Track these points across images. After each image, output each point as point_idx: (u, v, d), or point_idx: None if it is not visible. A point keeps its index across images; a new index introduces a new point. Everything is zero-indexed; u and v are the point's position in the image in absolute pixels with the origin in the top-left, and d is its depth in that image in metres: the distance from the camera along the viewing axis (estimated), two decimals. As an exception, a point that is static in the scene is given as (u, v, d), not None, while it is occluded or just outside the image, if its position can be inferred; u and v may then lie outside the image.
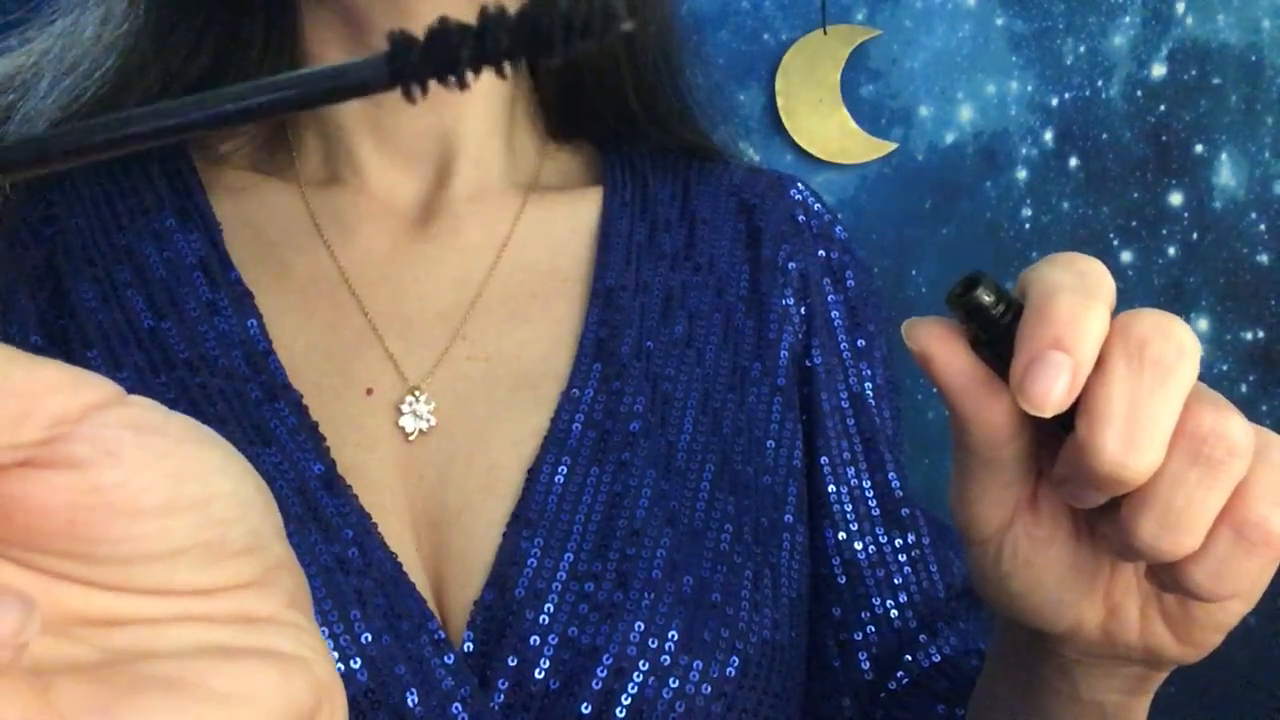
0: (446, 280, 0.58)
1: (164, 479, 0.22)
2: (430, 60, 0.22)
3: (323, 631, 0.47)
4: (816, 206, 0.66)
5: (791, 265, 0.63)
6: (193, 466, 0.23)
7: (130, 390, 0.54)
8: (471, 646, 0.50)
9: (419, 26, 0.64)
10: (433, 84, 0.22)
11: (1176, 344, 0.33)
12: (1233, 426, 0.34)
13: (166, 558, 0.23)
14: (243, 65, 0.57)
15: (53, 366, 0.22)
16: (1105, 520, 0.37)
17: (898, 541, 0.61)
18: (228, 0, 0.56)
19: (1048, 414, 0.34)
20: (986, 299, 0.35)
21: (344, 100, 0.23)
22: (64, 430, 0.22)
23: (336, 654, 0.47)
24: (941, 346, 0.36)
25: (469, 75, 0.22)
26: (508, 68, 0.22)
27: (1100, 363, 0.34)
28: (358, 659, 0.47)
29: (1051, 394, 0.33)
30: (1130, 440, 0.33)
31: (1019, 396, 0.34)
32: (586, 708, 0.48)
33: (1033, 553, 0.39)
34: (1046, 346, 0.33)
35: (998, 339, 0.35)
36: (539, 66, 0.21)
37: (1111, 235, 1.28)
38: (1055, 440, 0.37)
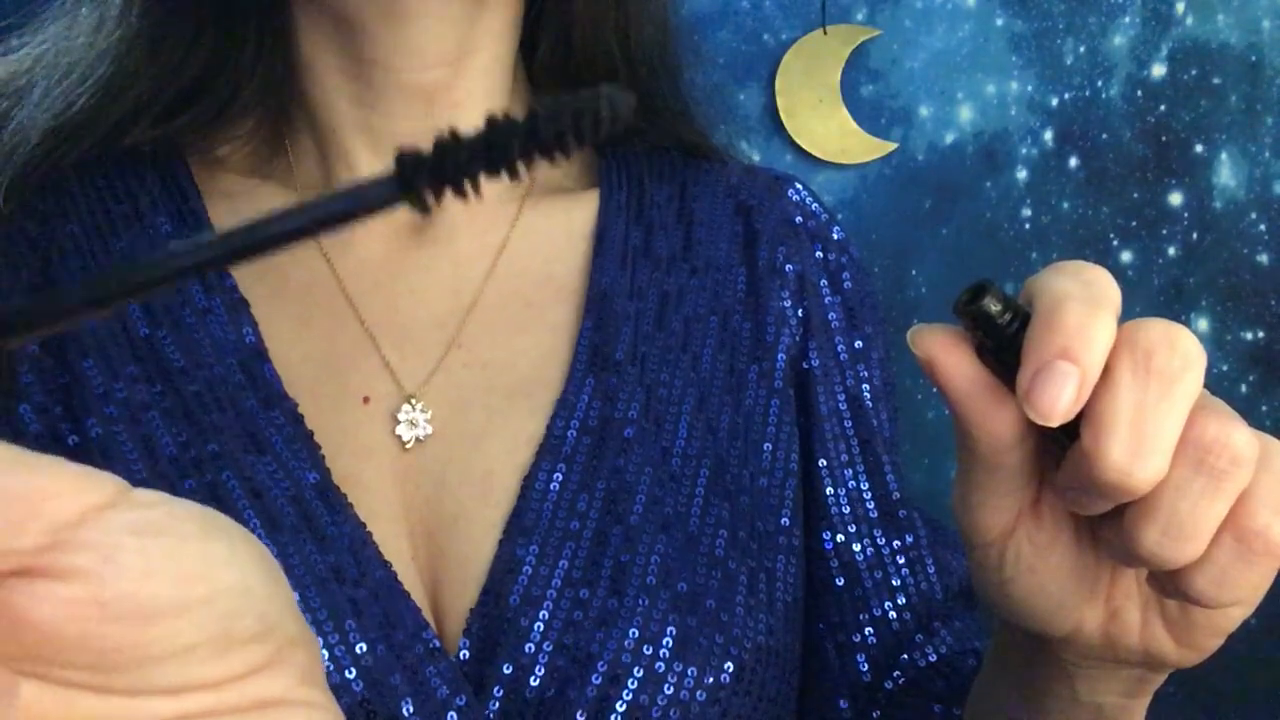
0: (442, 288, 0.57)
1: (169, 582, 0.22)
2: (439, 175, 0.22)
3: (318, 641, 0.47)
4: (814, 207, 0.66)
5: (789, 267, 0.63)
6: (198, 564, 0.23)
7: (125, 400, 0.54)
8: (467, 654, 0.49)
9: (410, 27, 0.63)
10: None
11: (1182, 354, 0.34)
12: (1236, 436, 0.34)
13: (177, 658, 0.23)
14: (236, 69, 0.57)
15: (53, 468, 0.22)
16: (1108, 526, 0.37)
17: (895, 543, 0.61)
18: (221, 4, 0.56)
19: (1054, 423, 0.34)
20: (993, 307, 0.35)
21: (359, 221, 0.23)
22: (64, 537, 0.21)
23: (331, 664, 0.47)
24: (947, 354, 0.36)
25: (481, 182, 0.23)
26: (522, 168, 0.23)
27: (1106, 372, 0.34)
28: (352, 669, 0.47)
29: (1058, 404, 0.33)
30: (1135, 450, 0.33)
31: (1026, 405, 0.34)
32: (581, 715, 0.48)
33: (1035, 558, 0.39)
34: (1054, 356, 0.33)
35: (1004, 347, 0.35)
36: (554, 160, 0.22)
37: (1111, 235, 1.28)
38: (1059, 446, 0.37)
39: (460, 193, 0.22)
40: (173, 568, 0.22)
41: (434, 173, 0.22)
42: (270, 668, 0.24)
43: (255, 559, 0.24)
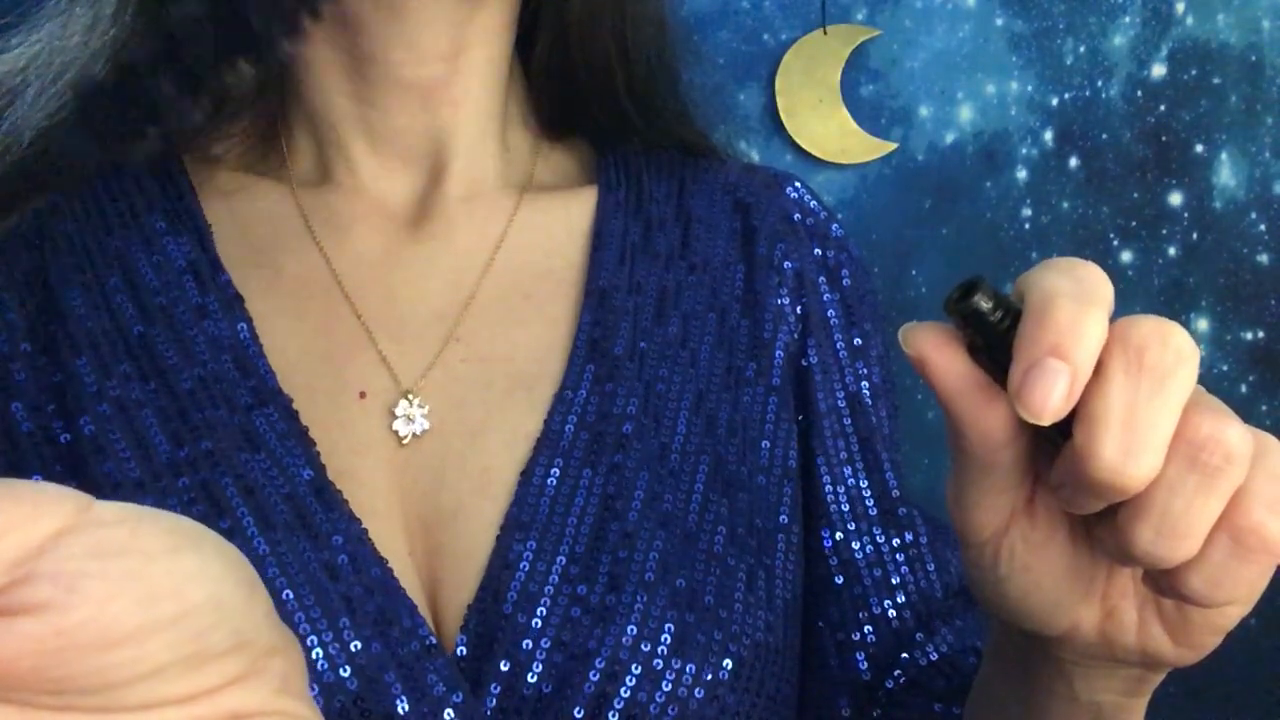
0: (440, 281, 0.57)
1: (134, 604, 0.22)
2: (121, 104, 0.19)
3: (311, 640, 0.47)
4: (813, 204, 0.66)
5: (787, 264, 0.63)
6: (165, 582, 0.22)
7: (118, 398, 0.53)
8: (465, 651, 0.49)
9: (407, 22, 0.63)
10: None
11: (1175, 350, 0.33)
12: (1230, 433, 0.33)
13: (146, 678, 0.22)
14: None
15: (5, 498, 0.21)
16: (1102, 525, 0.37)
17: (895, 541, 0.60)
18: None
19: (1045, 421, 0.33)
20: (984, 305, 0.35)
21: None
22: (22, 571, 0.21)
23: (325, 662, 0.47)
24: (939, 352, 0.36)
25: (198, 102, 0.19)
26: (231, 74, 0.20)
27: (1098, 369, 0.33)
28: (346, 667, 0.47)
29: (1049, 402, 0.33)
30: (1128, 447, 0.33)
31: (1017, 404, 0.34)
32: (579, 712, 0.48)
33: (1029, 556, 0.39)
34: (1044, 353, 0.33)
35: (995, 345, 0.35)
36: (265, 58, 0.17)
37: (1111, 235, 1.27)
38: (1052, 444, 0.36)
39: (158, 121, 0.19)
40: (138, 588, 0.22)
41: (117, 100, 0.19)
42: (246, 679, 0.23)
43: (229, 569, 0.23)
